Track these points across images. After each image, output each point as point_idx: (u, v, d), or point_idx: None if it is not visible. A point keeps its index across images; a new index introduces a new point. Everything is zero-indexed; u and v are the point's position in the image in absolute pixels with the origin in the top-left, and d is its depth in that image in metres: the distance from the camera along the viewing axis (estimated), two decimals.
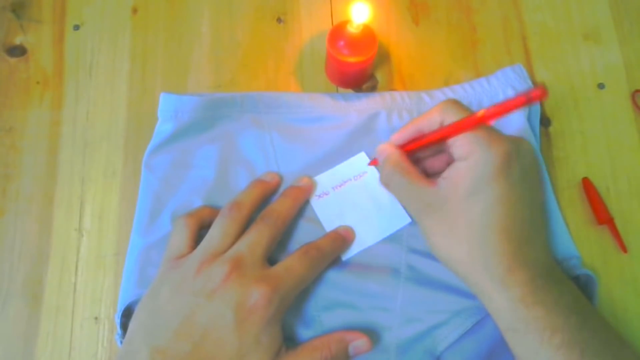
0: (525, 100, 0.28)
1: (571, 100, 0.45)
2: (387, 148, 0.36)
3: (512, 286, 0.31)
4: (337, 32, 0.41)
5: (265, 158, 0.41)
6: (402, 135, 0.36)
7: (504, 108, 0.30)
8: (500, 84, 0.43)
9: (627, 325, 0.40)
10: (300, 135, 0.42)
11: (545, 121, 0.45)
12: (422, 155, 0.38)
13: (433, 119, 0.34)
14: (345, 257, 0.39)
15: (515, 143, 0.32)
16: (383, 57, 0.46)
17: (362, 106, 0.42)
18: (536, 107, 0.43)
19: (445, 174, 0.33)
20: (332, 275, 0.39)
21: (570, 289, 0.33)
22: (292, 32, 0.47)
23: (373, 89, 0.45)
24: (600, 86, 0.46)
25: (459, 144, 0.32)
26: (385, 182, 0.36)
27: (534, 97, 0.27)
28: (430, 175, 0.37)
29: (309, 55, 0.46)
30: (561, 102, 0.45)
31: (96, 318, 0.41)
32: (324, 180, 0.41)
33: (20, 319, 0.40)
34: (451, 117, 0.33)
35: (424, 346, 0.38)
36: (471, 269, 0.32)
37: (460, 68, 0.46)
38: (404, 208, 0.39)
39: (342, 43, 0.40)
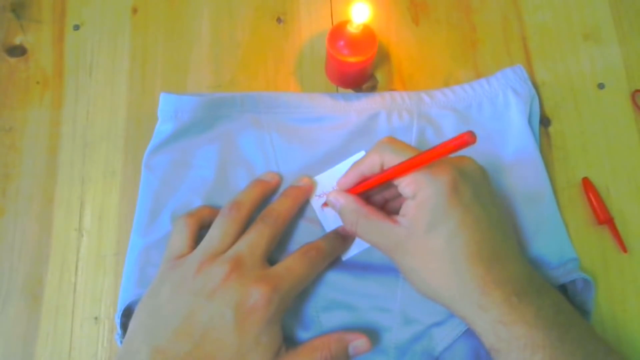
0: (455, 147, 0.29)
1: (571, 100, 0.45)
2: (338, 196, 0.37)
3: (489, 308, 0.31)
4: (337, 32, 0.41)
5: (265, 158, 0.41)
6: (347, 180, 0.37)
7: (436, 154, 0.30)
8: (500, 85, 0.43)
9: (627, 325, 0.40)
10: (300, 135, 0.42)
11: (545, 121, 0.45)
12: (382, 194, 0.38)
13: (373, 161, 0.34)
14: (345, 257, 0.39)
15: (457, 166, 0.33)
16: (383, 57, 0.46)
17: (362, 106, 0.42)
18: (536, 107, 0.43)
19: (402, 212, 0.33)
20: (332, 276, 0.39)
21: (551, 300, 0.32)
22: (292, 32, 0.47)
23: (373, 89, 0.45)
24: (600, 86, 0.46)
25: (405, 184, 0.33)
26: (352, 230, 0.36)
27: (463, 143, 0.28)
28: (394, 211, 0.37)
29: (309, 55, 0.46)
30: (561, 102, 0.45)
31: (96, 318, 0.41)
32: (323, 179, 0.41)
33: (20, 319, 0.40)
34: (389, 157, 0.33)
35: (422, 347, 0.38)
36: (450, 299, 0.32)
37: (460, 68, 0.46)
38: (375, 247, 0.37)
39: (342, 43, 0.40)
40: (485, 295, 0.31)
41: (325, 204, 0.40)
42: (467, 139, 0.28)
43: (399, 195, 0.34)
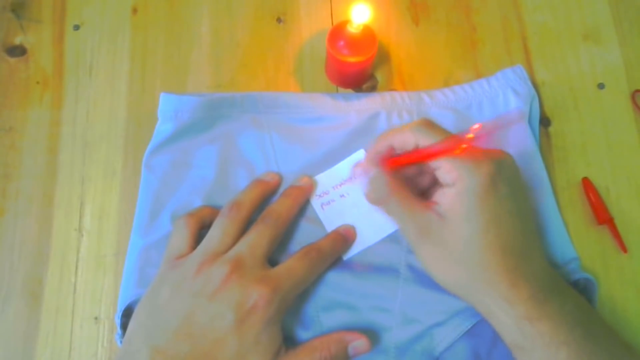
0: (500, 126, 0.29)
1: (571, 100, 0.45)
2: (371, 166, 0.36)
3: (515, 303, 0.31)
4: (337, 32, 0.41)
5: (265, 158, 0.41)
6: (376, 150, 0.36)
7: (490, 129, 0.30)
8: (500, 85, 0.43)
9: (627, 325, 0.40)
10: (300, 135, 0.42)
11: (545, 121, 0.45)
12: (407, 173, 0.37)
13: (406, 138, 0.34)
14: (346, 256, 0.39)
15: (497, 160, 0.33)
16: (383, 57, 0.46)
17: (362, 106, 0.42)
18: (536, 108, 0.43)
19: (437, 199, 0.33)
20: (332, 276, 0.39)
21: (573, 299, 0.33)
22: (292, 32, 0.47)
23: (373, 89, 0.45)
24: (600, 86, 0.46)
25: (444, 170, 0.33)
26: (378, 201, 0.35)
27: (509, 122, 0.29)
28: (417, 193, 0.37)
29: (309, 55, 0.46)
30: (561, 102, 0.45)
31: (96, 318, 0.41)
32: (323, 179, 0.41)
33: (20, 319, 0.40)
34: (426, 139, 0.33)
35: (422, 347, 0.38)
36: (474, 290, 0.32)
37: (460, 68, 0.46)
38: (400, 230, 0.36)
39: (342, 43, 0.40)
40: (514, 288, 0.31)
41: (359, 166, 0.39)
42: (514, 117, 0.27)
43: (431, 184, 0.35)
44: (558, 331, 0.30)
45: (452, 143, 0.32)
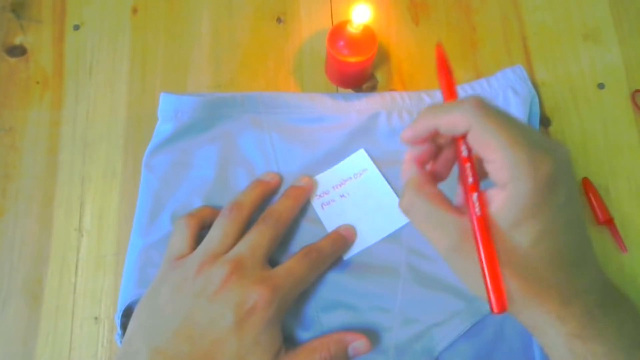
0: None
1: (571, 100, 0.45)
2: (409, 167, 0.31)
3: (568, 320, 0.27)
4: (337, 32, 0.41)
5: (265, 158, 0.41)
6: (417, 129, 0.30)
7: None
8: (500, 85, 0.43)
9: None
10: (300, 135, 0.42)
11: (545, 121, 0.45)
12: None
13: (456, 122, 0.28)
14: (346, 256, 0.39)
15: (557, 156, 0.27)
16: (383, 57, 0.46)
17: (362, 106, 0.42)
18: (536, 107, 0.43)
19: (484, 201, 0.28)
20: (332, 276, 0.39)
21: (632, 314, 0.29)
22: (292, 32, 0.47)
23: (373, 89, 0.45)
24: (600, 86, 0.46)
25: (496, 166, 0.27)
26: (406, 210, 0.30)
27: None
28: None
29: (309, 55, 0.46)
30: (561, 102, 0.45)
31: (96, 318, 0.41)
32: (324, 179, 0.41)
33: (20, 319, 0.40)
34: (483, 136, 0.27)
35: (422, 347, 0.38)
36: (523, 306, 0.28)
37: (460, 68, 0.46)
38: (430, 242, 0.30)
39: (342, 43, 0.40)
40: (566, 305, 0.27)
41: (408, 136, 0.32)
42: None
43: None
44: (615, 353, 0.27)
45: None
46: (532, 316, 0.28)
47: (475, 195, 0.28)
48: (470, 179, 0.28)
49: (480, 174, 0.29)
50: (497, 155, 0.26)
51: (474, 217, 0.27)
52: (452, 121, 0.28)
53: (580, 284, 0.28)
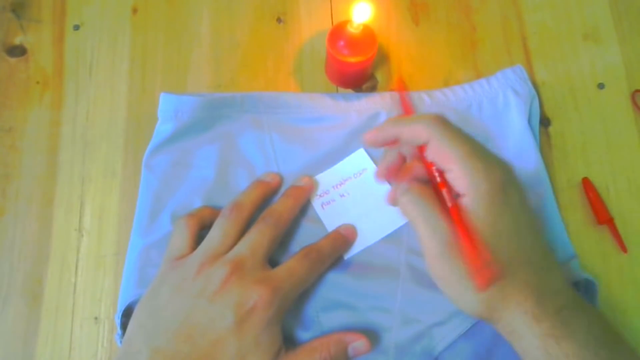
0: None
1: (571, 100, 0.45)
2: (406, 182, 0.33)
3: (542, 319, 0.29)
4: (337, 32, 0.41)
5: (265, 158, 0.41)
6: (379, 136, 0.33)
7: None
8: (500, 85, 0.43)
9: (627, 326, 0.40)
10: (300, 135, 0.42)
11: (545, 121, 0.45)
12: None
13: (417, 134, 0.31)
14: (347, 255, 0.39)
15: (505, 169, 0.31)
16: (383, 57, 0.46)
17: (362, 106, 0.42)
18: (536, 107, 0.43)
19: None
20: (332, 276, 0.39)
21: (597, 317, 0.31)
22: (292, 32, 0.47)
23: (373, 89, 0.45)
24: (600, 86, 0.46)
25: (455, 176, 0.30)
26: (407, 204, 0.32)
27: None
28: None
29: (309, 55, 0.46)
30: (561, 102, 0.45)
31: (96, 318, 0.41)
32: (324, 179, 0.41)
33: (20, 319, 0.40)
34: (441, 147, 0.30)
35: (422, 347, 0.38)
36: (501, 308, 0.30)
37: (460, 68, 0.46)
38: (420, 242, 0.32)
39: (342, 43, 0.40)
40: (540, 304, 0.29)
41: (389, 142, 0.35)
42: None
43: None
44: (584, 353, 0.28)
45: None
46: (511, 318, 0.30)
47: (444, 191, 0.31)
48: (438, 178, 0.31)
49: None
50: (456, 165, 0.30)
51: (450, 207, 0.30)
52: (414, 132, 0.31)
53: (549, 285, 0.30)
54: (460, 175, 0.30)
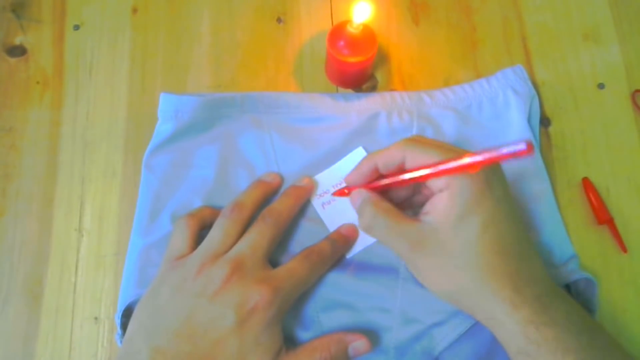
0: (509, 156, 0.26)
1: (571, 100, 0.45)
2: (361, 192, 0.35)
3: (521, 306, 0.30)
4: (337, 32, 0.41)
5: (265, 158, 0.41)
6: (357, 173, 0.35)
7: (490, 159, 0.27)
8: (501, 85, 0.43)
9: (627, 326, 0.40)
10: (300, 135, 0.42)
11: (545, 121, 0.45)
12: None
13: (392, 156, 0.33)
14: (349, 255, 0.39)
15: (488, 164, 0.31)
16: (383, 57, 0.46)
17: (362, 106, 0.42)
18: (536, 107, 0.43)
19: (427, 209, 0.32)
20: (332, 276, 0.39)
21: (575, 306, 0.32)
22: (292, 32, 0.47)
23: (373, 89, 0.45)
24: (600, 86, 0.46)
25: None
26: (367, 227, 0.34)
27: (520, 153, 0.25)
28: (416, 205, 0.36)
29: (309, 55, 0.46)
30: (561, 102, 0.45)
31: (96, 318, 0.41)
32: (324, 178, 0.41)
33: (20, 319, 0.40)
34: (414, 156, 0.32)
35: (422, 347, 0.38)
36: (478, 296, 0.31)
37: (460, 68, 0.46)
38: (392, 250, 0.35)
39: (342, 43, 0.40)
40: (518, 292, 0.30)
41: (340, 193, 0.38)
42: (525, 150, 0.25)
43: (422, 188, 0.33)
44: (565, 337, 0.29)
45: (445, 170, 0.30)
46: (489, 306, 0.31)
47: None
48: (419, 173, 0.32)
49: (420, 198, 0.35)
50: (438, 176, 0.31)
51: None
52: (389, 156, 0.33)
53: (529, 273, 0.31)
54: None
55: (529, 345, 0.30)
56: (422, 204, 0.33)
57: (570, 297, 0.33)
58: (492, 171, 0.31)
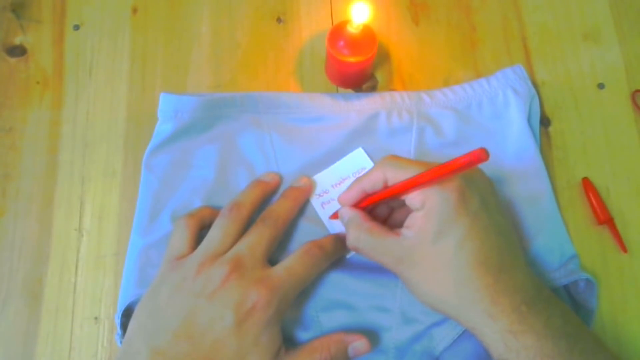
0: (465, 164, 0.28)
1: (571, 100, 0.45)
2: (346, 211, 0.36)
3: (498, 317, 0.31)
4: (337, 32, 0.41)
5: (265, 158, 0.41)
6: (348, 196, 0.36)
7: (446, 170, 0.29)
8: (500, 85, 0.43)
9: (627, 326, 0.40)
10: (300, 135, 0.42)
11: (545, 121, 0.45)
12: (388, 206, 0.38)
13: (375, 178, 0.34)
14: (349, 255, 0.39)
15: (464, 175, 0.32)
16: (383, 57, 0.46)
17: (362, 106, 0.42)
18: (536, 107, 0.43)
19: (407, 223, 0.33)
20: (331, 276, 0.39)
21: (559, 311, 0.33)
22: (292, 32, 0.47)
23: (373, 89, 0.45)
24: (600, 86, 0.46)
25: (412, 196, 0.32)
26: (354, 246, 0.35)
27: (474, 160, 0.27)
28: (399, 222, 0.37)
29: (309, 55, 0.46)
30: (561, 102, 0.45)
31: (96, 318, 0.41)
32: (323, 178, 0.41)
33: (20, 319, 0.40)
34: (393, 173, 0.33)
35: (422, 347, 0.38)
36: (458, 308, 0.32)
37: (460, 68, 0.46)
38: (381, 265, 0.35)
39: (342, 43, 0.40)
40: (495, 304, 0.31)
41: (334, 216, 0.39)
42: (480, 156, 0.27)
43: (404, 204, 0.34)
44: (543, 344, 0.30)
45: (415, 181, 0.31)
46: (470, 317, 0.32)
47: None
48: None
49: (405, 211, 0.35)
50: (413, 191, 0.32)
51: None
52: (371, 179, 0.35)
53: (508, 283, 0.32)
54: (416, 194, 0.32)
55: (509, 353, 0.31)
56: (407, 216, 0.34)
57: (558, 299, 0.34)
58: (467, 182, 0.32)
